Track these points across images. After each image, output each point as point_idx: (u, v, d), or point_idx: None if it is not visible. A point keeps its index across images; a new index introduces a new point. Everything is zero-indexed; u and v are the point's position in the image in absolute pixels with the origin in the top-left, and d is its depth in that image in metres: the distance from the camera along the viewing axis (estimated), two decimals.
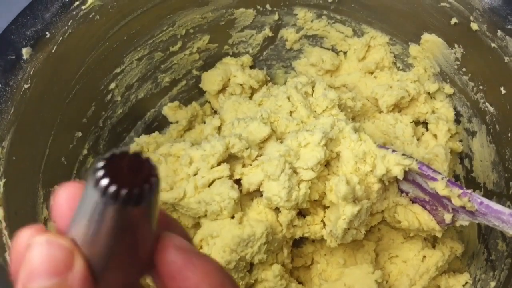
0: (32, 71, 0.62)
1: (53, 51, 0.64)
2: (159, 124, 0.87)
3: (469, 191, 0.56)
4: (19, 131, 0.61)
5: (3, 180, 0.57)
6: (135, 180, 0.25)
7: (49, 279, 0.27)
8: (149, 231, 0.28)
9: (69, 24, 0.65)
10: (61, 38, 0.65)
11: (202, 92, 0.88)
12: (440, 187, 0.57)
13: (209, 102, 0.89)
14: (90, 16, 0.67)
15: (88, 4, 0.66)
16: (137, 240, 0.28)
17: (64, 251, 0.27)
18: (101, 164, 0.25)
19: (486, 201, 0.54)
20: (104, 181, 0.24)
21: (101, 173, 0.25)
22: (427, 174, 0.58)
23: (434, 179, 0.58)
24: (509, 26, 0.62)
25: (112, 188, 0.24)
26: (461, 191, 0.56)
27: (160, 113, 0.87)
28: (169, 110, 0.85)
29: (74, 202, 0.28)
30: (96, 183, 0.24)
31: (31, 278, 0.27)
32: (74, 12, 0.66)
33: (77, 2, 0.66)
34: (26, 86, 0.62)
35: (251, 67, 0.89)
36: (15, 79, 0.61)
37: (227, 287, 0.30)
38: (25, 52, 0.62)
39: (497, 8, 0.63)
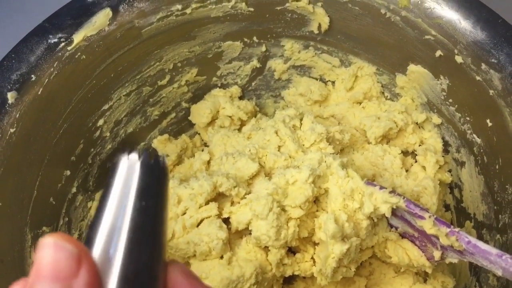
0: (18, 115, 0.62)
1: (39, 93, 0.64)
2: None
3: (457, 229, 0.55)
4: (5, 176, 0.61)
5: None
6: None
7: (53, 283, 0.27)
8: (165, 216, 0.33)
9: (55, 65, 0.65)
10: (47, 79, 0.65)
11: (192, 124, 0.88)
12: (427, 225, 0.57)
13: (199, 134, 0.89)
14: (76, 56, 0.67)
15: (74, 45, 0.67)
16: (158, 221, 0.33)
17: (70, 257, 0.28)
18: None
19: (474, 240, 0.54)
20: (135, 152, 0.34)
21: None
22: (415, 212, 0.58)
23: (421, 218, 0.58)
24: (493, 60, 0.62)
25: (141, 153, 0.34)
26: (448, 230, 0.56)
27: (150, 146, 0.87)
28: (159, 143, 0.85)
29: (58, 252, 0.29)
30: (128, 154, 0.33)
31: (37, 279, 0.27)
32: (60, 53, 0.66)
33: (63, 44, 0.66)
34: (12, 130, 0.62)
35: (241, 97, 0.89)
36: (1, 124, 0.61)
37: None
38: (11, 96, 0.62)
39: (481, 42, 0.63)
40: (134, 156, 0.33)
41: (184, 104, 0.87)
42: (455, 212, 0.76)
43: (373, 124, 0.75)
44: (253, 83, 0.89)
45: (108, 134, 0.78)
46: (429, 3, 0.66)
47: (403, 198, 0.59)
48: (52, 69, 0.65)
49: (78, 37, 0.67)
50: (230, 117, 0.84)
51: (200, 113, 0.83)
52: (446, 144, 0.76)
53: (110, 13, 0.68)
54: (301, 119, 0.75)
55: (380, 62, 0.79)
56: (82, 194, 0.76)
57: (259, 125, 0.79)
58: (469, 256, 0.54)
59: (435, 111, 0.75)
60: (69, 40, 0.66)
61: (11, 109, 0.62)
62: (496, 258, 0.51)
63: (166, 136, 0.86)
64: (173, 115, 0.87)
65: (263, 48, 0.83)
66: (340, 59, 0.82)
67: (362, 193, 0.61)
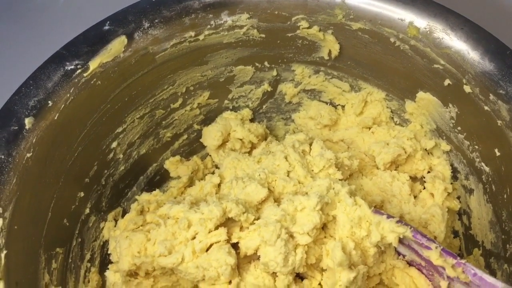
0: (34, 140, 0.64)
1: (55, 118, 0.66)
2: (161, 177, 0.89)
3: (463, 261, 0.56)
4: (21, 200, 0.62)
5: (4, 252, 0.58)
6: None
7: None
8: None
9: (71, 91, 0.67)
10: (63, 105, 0.67)
11: (203, 145, 0.89)
12: (434, 256, 0.57)
13: (211, 155, 0.90)
14: (92, 82, 0.69)
15: (90, 71, 0.69)
16: None
17: None
18: None
19: (480, 272, 0.54)
20: None
21: None
22: (421, 242, 0.58)
23: (428, 248, 0.58)
24: (500, 91, 0.62)
25: None
26: (455, 261, 0.56)
27: (162, 167, 0.88)
28: (171, 164, 0.87)
29: None
30: None
31: None
32: (76, 80, 0.68)
33: (79, 70, 0.68)
34: (28, 155, 0.63)
35: (252, 120, 0.91)
36: (18, 149, 0.63)
37: None
38: (28, 122, 0.64)
39: (489, 73, 0.63)
40: None
41: (196, 126, 0.88)
42: (464, 238, 0.76)
43: (382, 150, 0.75)
44: (264, 106, 0.91)
45: (121, 155, 0.80)
46: (438, 34, 0.67)
47: (410, 228, 0.59)
48: (68, 95, 0.67)
49: (94, 64, 0.69)
50: (241, 140, 0.85)
51: (211, 135, 0.85)
52: (455, 171, 0.76)
53: (126, 41, 0.70)
54: (310, 144, 0.76)
55: (390, 88, 0.79)
56: (95, 214, 0.77)
57: (269, 148, 0.81)
58: None
59: (444, 138, 0.75)
60: (85, 66, 0.68)
61: (28, 135, 0.64)
62: None
63: (178, 157, 0.88)
64: (185, 136, 0.89)
65: (274, 73, 0.85)
66: (350, 84, 0.83)
67: (369, 221, 0.62)
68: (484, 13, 0.97)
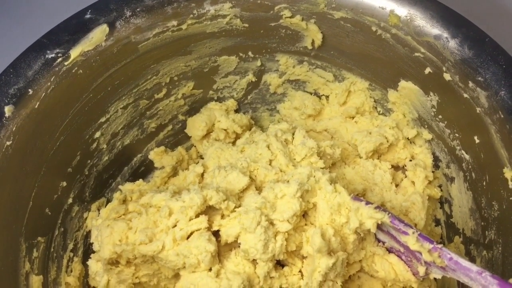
0: (14, 128, 0.64)
1: (36, 107, 0.66)
2: (146, 168, 0.89)
3: (439, 246, 0.56)
4: (1, 187, 0.62)
5: None
6: None
7: None
8: None
9: (52, 80, 0.67)
10: (44, 93, 0.67)
11: (188, 136, 0.89)
12: (411, 241, 0.58)
13: (195, 146, 0.90)
14: (73, 70, 0.69)
15: (71, 60, 0.68)
16: None
17: None
18: None
19: (455, 257, 0.54)
20: None
21: None
22: (399, 228, 0.59)
23: (405, 233, 0.58)
24: (479, 78, 0.63)
25: None
26: (431, 246, 0.56)
27: (146, 158, 0.88)
28: (155, 155, 0.87)
29: None
30: None
31: None
32: (57, 68, 0.68)
33: (60, 59, 0.68)
34: (8, 143, 0.63)
35: (237, 110, 0.91)
36: None
37: None
38: (8, 110, 0.64)
39: (468, 60, 0.64)
40: None
41: (180, 117, 0.88)
42: (445, 227, 0.77)
43: (364, 139, 0.76)
44: (249, 97, 0.91)
45: (105, 146, 0.80)
46: (418, 22, 0.67)
47: (388, 213, 0.60)
48: (49, 84, 0.67)
49: (75, 52, 0.69)
50: (225, 130, 0.85)
51: (195, 126, 0.85)
52: (436, 160, 0.76)
53: (107, 29, 0.70)
54: (293, 133, 0.76)
55: (373, 77, 0.80)
56: (78, 204, 0.77)
57: (252, 138, 0.81)
58: (451, 272, 0.55)
59: (426, 126, 0.76)
60: (66, 55, 0.68)
61: (7, 123, 0.64)
62: (476, 275, 0.51)
63: (162, 148, 0.88)
64: (170, 127, 0.89)
65: (258, 63, 0.85)
66: (333, 74, 0.83)
67: (348, 208, 0.62)
68: (484, 13, 0.96)
